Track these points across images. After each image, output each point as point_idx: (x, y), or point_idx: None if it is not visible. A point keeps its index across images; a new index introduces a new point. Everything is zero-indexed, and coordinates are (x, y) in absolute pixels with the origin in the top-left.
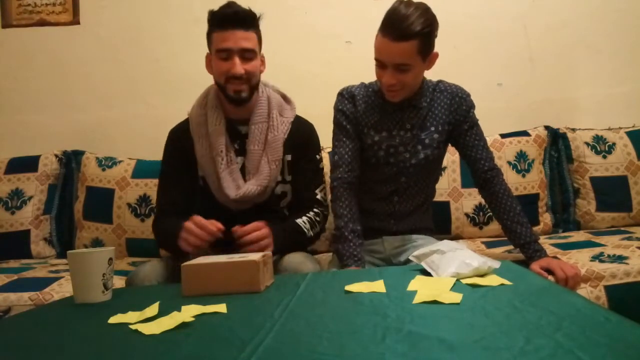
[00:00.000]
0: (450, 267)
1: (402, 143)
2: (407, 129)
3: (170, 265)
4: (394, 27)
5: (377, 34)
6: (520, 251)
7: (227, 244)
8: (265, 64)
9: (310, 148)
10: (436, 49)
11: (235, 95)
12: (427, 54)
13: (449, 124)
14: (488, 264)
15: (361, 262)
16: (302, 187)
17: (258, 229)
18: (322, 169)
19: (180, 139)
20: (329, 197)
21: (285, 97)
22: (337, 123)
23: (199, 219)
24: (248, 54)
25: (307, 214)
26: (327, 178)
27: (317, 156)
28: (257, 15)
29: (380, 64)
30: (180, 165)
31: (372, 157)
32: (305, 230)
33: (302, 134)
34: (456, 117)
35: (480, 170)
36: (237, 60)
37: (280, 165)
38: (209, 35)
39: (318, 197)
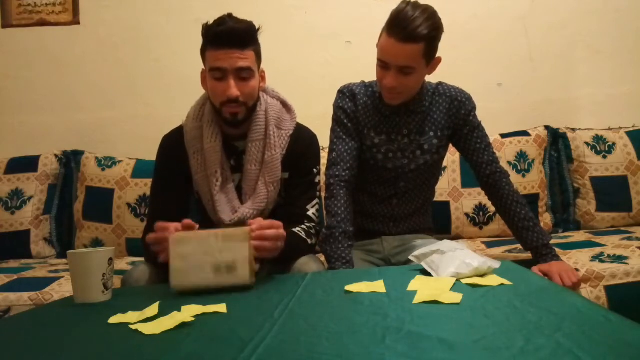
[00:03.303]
0: (450, 267)
1: (400, 149)
2: (404, 134)
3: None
4: (400, 28)
5: (382, 34)
6: (531, 254)
7: None
8: (266, 78)
9: (308, 161)
10: (436, 54)
11: (231, 118)
12: (431, 58)
13: (448, 128)
14: (488, 264)
15: (350, 264)
16: (294, 202)
17: (276, 228)
18: (318, 183)
19: (174, 149)
20: (328, 194)
21: (285, 104)
22: (337, 120)
23: (158, 226)
24: (244, 74)
25: (300, 226)
26: (323, 182)
27: (315, 169)
28: (257, 29)
29: (384, 65)
30: (173, 177)
31: (371, 160)
32: (305, 238)
33: (300, 148)
34: (455, 121)
35: (482, 175)
36: (232, 82)
37: (279, 186)
38: (203, 51)
39: (309, 213)
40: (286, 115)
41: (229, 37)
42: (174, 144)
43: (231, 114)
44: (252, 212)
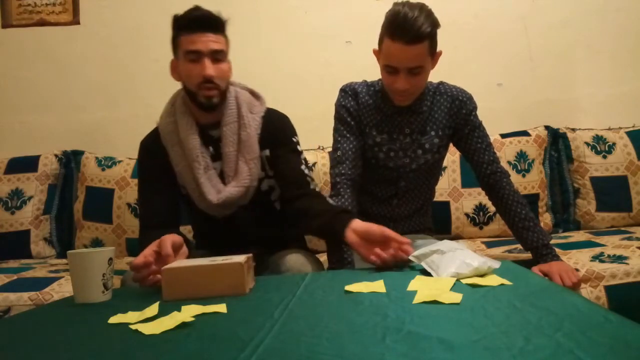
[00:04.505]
0: (450, 267)
1: (402, 148)
2: (406, 133)
3: None
4: (405, 31)
5: (384, 40)
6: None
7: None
8: (232, 70)
9: (285, 135)
10: (437, 49)
11: (206, 101)
12: (434, 53)
13: (449, 128)
14: (488, 264)
15: (351, 265)
16: (288, 171)
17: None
18: (302, 152)
19: (152, 150)
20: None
21: (253, 93)
22: (339, 119)
23: (137, 260)
24: (219, 55)
25: (327, 198)
26: (324, 181)
27: (294, 139)
28: (225, 21)
29: (392, 70)
30: (157, 177)
31: (372, 159)
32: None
33: (274, 126)
34: (456, 121)
35: (483, 175)
36: (207, 62)
37: (259, 162)
38: (175, 39)
39: (305, 172)
40: (256, 102)
41: (204, 21)
42: (151, 145)
43: (206, 97)
44: (238, 190)
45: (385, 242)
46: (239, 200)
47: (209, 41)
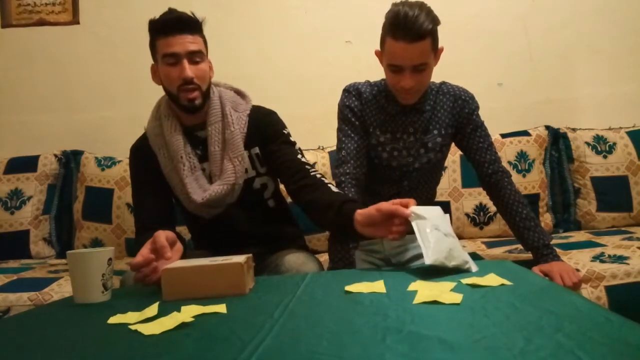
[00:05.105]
0: (440, 254)
1: (405, 147)
2: (410, 132)
3: None
4: (407, 29)
5: (388, 41)
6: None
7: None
8: (213, 71)
9: (275, 130)
10: (438, 45)
11: (189, 103)
12: (436, 50)
13: (451, 127)
14: (468, 265)
15: (352, 266)
16: (286, 163)
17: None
18: (295, 142)
19: (142, 154)
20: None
21: (239, 92)
22: (343, 119)
23: (136, 260)
24: (196, 57)
25: (329, 185)
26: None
27: (284, 131)
28: (201, 20)
29: (397, 69)
30: (149, 180)
31: (375, 158)
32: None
33: (262, 122)
34: (459, 120)
35: (484, 174)
36: (185, 64)
37: (243, 160)
38: (153, 43)
39: (303, 160)
40: (241, 100)
41: (179, 23)
42: (140, 149)
43: (189, 100)
44: (223, 188)
45: (390, 217)
46: (225, 198)
47: (185, 42)
